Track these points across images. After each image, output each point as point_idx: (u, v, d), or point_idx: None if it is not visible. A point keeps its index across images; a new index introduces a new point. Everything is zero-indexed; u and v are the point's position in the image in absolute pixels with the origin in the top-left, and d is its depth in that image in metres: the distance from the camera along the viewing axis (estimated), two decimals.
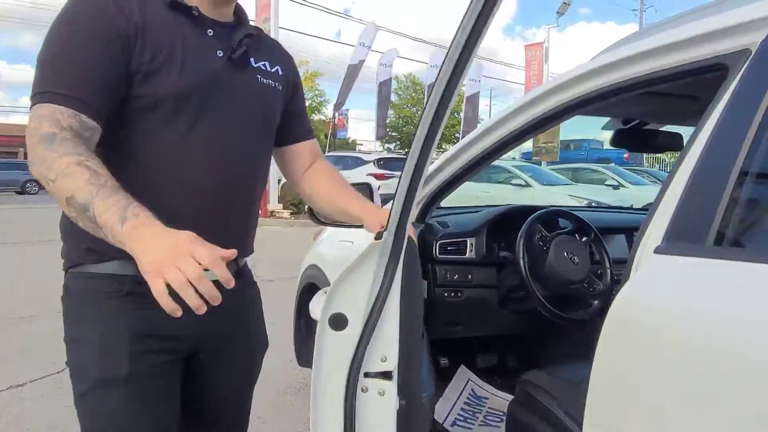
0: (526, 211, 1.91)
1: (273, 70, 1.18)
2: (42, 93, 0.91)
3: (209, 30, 1.07)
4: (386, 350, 1.05)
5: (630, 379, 0.84)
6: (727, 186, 0.81)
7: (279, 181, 11.33)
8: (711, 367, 0.72)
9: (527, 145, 18.12)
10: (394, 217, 1.01)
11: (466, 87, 21.18)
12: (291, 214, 11.70)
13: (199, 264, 0.77)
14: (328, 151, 15.14)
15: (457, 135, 26.73)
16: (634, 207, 3.09)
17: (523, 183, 9.47)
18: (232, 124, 1.08)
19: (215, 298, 0.78)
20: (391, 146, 35.53)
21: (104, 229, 0.84)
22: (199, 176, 1.04)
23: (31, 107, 0.93)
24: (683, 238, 0.84)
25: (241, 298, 1.17)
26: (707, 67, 0.97)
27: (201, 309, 0.77)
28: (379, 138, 17.23)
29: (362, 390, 1.05)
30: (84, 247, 1.02)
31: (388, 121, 17.19)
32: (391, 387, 1.05)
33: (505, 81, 59.71)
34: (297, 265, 2.75)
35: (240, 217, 1.14)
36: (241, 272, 1.19)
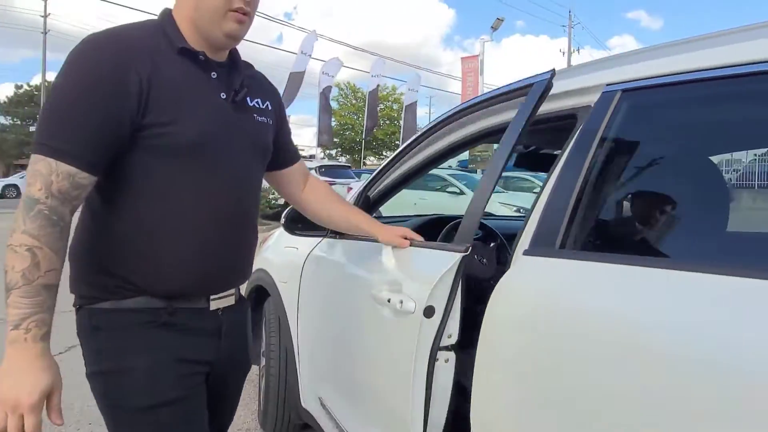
0: (447, 220, 2.23)
1: (264, 106, 1.25)
2: (43, 144, 0.95)
3: (213, 73, 1.13)
4: (452, 331, 1.29)
5: (498, 351, 1.15)
6: (569, 204, 1.14)
7: None
8: (554, 336, 1.04)
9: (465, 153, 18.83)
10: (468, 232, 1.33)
11: (405, 96, 21.71)
12: None
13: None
14: None
15: (396, 142, 27.27)
16: None
17: (458, 191, 9.94)
18: (240, 162, 1.15)
19: None
20: (332, 152, 35.71)
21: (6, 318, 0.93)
22: (217, 212, 1.11)
23: (32, 153, 0.97)
24: (542, 243, 1.16)
25: (242, 322, 1.30)
26: (567, 115, 1.31)
27: None
28: (321, 145, 17.41)
29: (435, 359, 1.28)
30: (114, 284, 1.07)
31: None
32: (452, 355, 1.30)
33: (443, 91, 61.21)
34: None
35: (248, 244, 1.23)
36: (242, 299, 1.30)
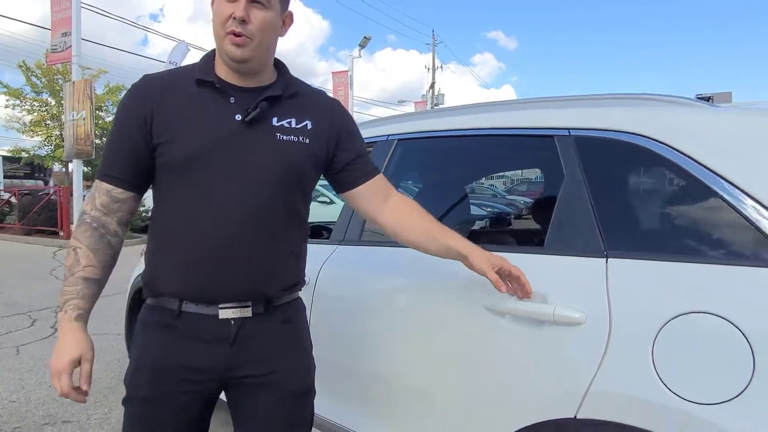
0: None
1: (300, 125, 1.25)
2: (98, 171, 1.23)
3: (231, 98, 1.20)
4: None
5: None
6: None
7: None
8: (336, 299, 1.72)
9: None
10: None
11: None
12: None
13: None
14: None
15: None
16: None
17: (328, 200, 10.63)
18: (246, 177, 1.17)
19: (80, 399, 1.15)
20: None
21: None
22: (218, 225, 1.16)
23: None
24: (346, 236, 1.85)
25: (274, 335, 1.23)
26: (387, 142, 2.02)
27: (81, 400, 1.15)
28: None
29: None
30: (146, 282, 1.25)
31: None
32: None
33: None
34: (117, 283, 3.30)
35: (265, 257, 1.19)
36: (274, 309, 1.24)
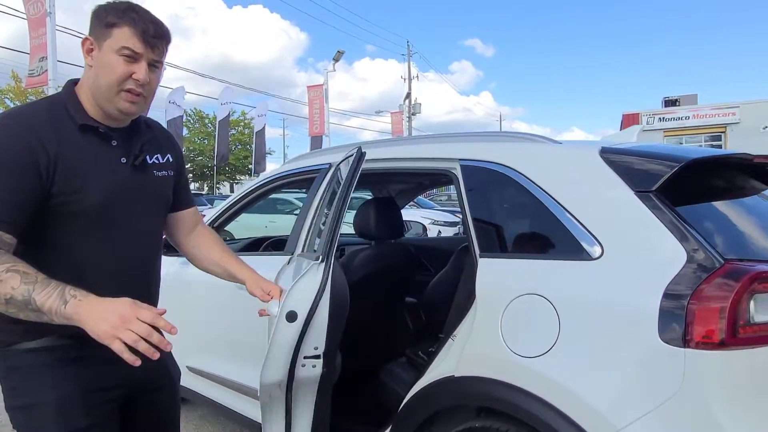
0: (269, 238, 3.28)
1: (165, 160, 1.38)
2: None
3: (113, 141, 1.25)
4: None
5: None
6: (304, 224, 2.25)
7: None
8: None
9: None
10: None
11: (254, 122, 22.36)
12: None
13: (144, 322, 1.01)
14: None
15: (249, 166, 27.65)
16: None
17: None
18: (141, 218, 1.30)
19: (165, 345, 1.03)
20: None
21: (48, 314, 1.03)
22: (119, 263, 1.26)
23: None
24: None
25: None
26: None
27: (156, 355, 1.01)
28: None
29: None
30: (21, 328, 1.17)
31: None
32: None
33: (294, 116, 62.17)
34: None
35: (151, 286, 1.38)
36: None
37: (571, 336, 1.41)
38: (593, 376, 1.36)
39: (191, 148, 33.97)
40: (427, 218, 11.35)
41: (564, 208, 1.55)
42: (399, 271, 2.63)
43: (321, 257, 1.56)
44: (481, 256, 1.68)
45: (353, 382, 2.72)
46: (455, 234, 11.62)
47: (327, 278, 1.54)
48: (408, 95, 31.72)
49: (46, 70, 11.17)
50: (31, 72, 11.49)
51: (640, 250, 1.43)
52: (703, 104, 23.39)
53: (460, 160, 1.88)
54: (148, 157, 1.33)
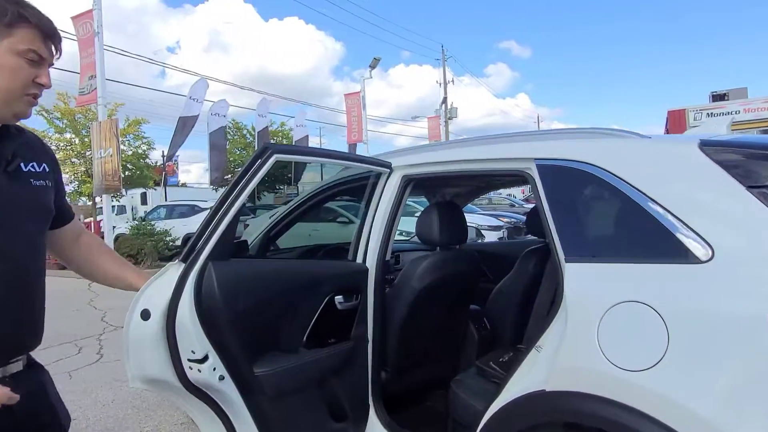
0: (324, 246, 3.23)
1: (41, 169, 1.26)
2: None
3: None
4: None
5: None
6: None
7: None
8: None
9: None
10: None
11: (293, 132, 22.62)
12: None
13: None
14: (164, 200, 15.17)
15: (288, 176, 27.98)
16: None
17: (347, 220, 10.99)
18: (18, 229, 1.16)
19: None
20: (224, 189, 35.24)
21: None
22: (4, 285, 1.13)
23: None
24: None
25: (38, 385, 1.28)
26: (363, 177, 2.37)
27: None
28: (213, 183, 17.78)
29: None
30: None
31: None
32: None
33: (331, 124, 62.84)
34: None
35: (29, 308, 1.22)
36: (31, 365, 1.27)
37: (682, 347, 1.28)
38: (708, 390, 1.24)
39: (231, 159, 34.61)
40: (472, 223, 11.18)
41: (664, 207, 1.42)
42: (465, 278, 2.53)
43: (181, 258, 1.63)
44: (567, 261, 1.56)
45: (424, 391, 2.65)
46: (499, 238, 11.45)
47: (186, 280, 1.60)
48: (444, 100, 31.55)
49: (96, 88, 11.55)
50: (82, 90, 11.90)
51: (755, 251, 1.29)
52: (754, 98, 22.38)
53: (535, 159, 1.77)
54: (22, 164, 1.22)
